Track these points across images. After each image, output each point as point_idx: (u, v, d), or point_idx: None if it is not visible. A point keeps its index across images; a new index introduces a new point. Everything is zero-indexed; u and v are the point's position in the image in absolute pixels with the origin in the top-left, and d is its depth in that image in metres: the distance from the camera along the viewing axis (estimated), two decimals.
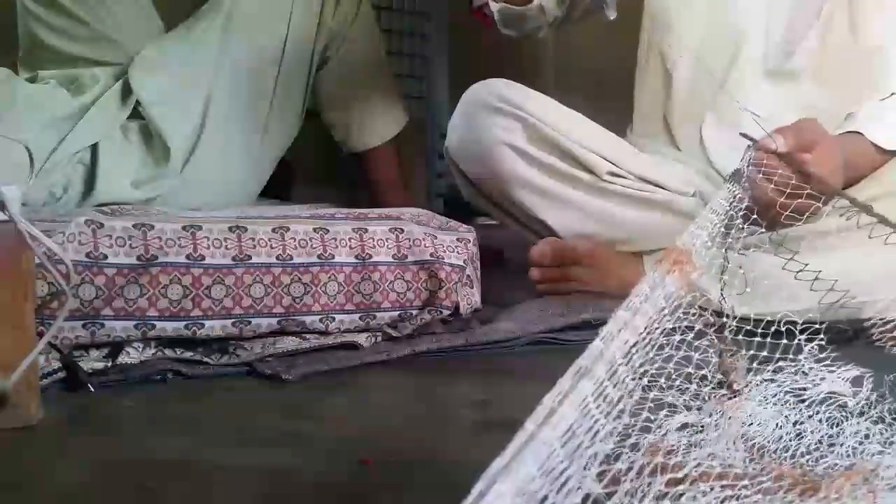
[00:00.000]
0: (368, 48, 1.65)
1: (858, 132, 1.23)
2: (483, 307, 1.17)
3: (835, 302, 0.87)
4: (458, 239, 1.14)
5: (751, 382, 0.75)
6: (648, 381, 0.56)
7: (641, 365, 0.52)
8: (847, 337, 0.88)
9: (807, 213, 0.93)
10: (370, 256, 1.07)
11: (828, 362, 0.76)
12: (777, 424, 0.67)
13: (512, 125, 1.36)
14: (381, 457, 0.70)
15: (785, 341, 0.77)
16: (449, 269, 1.11)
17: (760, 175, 0.93)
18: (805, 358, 0.76)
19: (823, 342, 0.78)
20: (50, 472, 0.69)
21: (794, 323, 0.78)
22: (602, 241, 1.34)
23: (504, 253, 1.62)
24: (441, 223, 1.18)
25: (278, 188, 1.65)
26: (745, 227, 0.83)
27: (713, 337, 0.70)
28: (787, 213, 0.92)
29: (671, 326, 0.58)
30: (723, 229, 0.79)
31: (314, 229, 1.06)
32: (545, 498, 0.37)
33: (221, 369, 0.96)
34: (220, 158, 1.43)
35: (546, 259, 1.33)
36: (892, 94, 1.29)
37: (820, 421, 0.68)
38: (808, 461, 0.62)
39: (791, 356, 0.76)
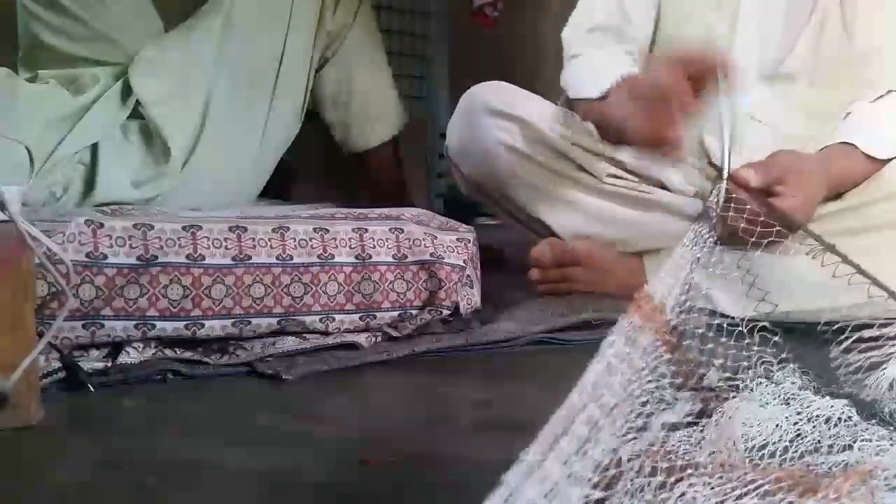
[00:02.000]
0: (368, 48, 1.65)
1: (850, 143, 1.24)
2: (483, 307, 1.17)
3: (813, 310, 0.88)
4: (458, 239, 1.14)
5: (748, 384, 0.75)
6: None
7: (623, 425, 0.53)
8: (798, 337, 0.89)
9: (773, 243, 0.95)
10: (370, 256, 1.07)
11: (806, 384, 0.77)
12: (777, 424, 0.67)
13: (512, 127, 1.37)
14: (381, 457, 0.70)
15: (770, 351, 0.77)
16: (449, 269, 1.11)
17: (731, 209, 0.94)
18: (787, 377, 0.77)
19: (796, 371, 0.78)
20: (50, 472, 0.69)
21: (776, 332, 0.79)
22: (602, 241, 1.34)
23: (504, 253, 1.62)
24: (441, 223, 1.18)
25: (278, 188, 1.65)
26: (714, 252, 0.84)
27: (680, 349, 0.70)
28: (752, 244, 0.93)
29: (649, 378, 0.59)
30: (691, 273, 0.79)
31: (314, 229, 1.06)
32: None
33: (221, 369, 0.96)
34: (220, 158, 1.43)
35: (546, 260, 1.33)
36: (887, 93, 1.30)
37: (819, 422, 0.68)
38: (807, 461, 0.62)
39: (775, 376, 0.77)
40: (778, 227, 0.95)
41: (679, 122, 1.08)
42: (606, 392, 0.49)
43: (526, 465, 0.40)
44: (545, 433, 0.43)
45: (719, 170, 1.01)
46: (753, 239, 0.93)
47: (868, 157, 1.24)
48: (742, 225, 0.94)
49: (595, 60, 1.37)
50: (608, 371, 0.51)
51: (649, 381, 0.58)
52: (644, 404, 0.58)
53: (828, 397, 0.74)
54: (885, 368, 0.81)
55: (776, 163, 1.18)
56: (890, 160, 1.26)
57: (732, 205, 0.95)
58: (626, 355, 0.55)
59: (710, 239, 0.86)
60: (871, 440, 0.65)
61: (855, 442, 0.65)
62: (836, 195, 1.25)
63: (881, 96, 1.32)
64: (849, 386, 0.80)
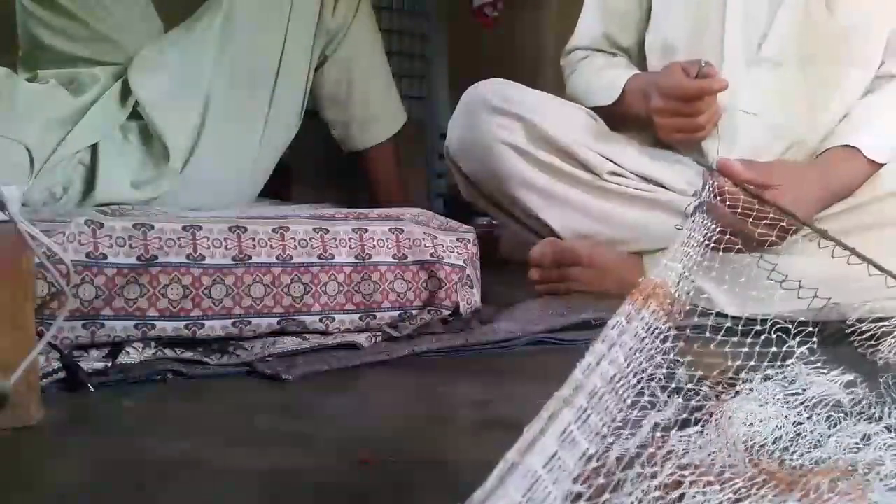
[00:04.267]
0: (368, 47, 1.65)
1: (852, 146, 1.24)
2: (483, 307, 1.17)
3: (822, 308, 0.89)
4: (458, 239, 1.14)
5: (745, 384, 0.75)
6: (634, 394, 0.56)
7: (627, 397, 0.53)
8: (834, 339, 0.89)
9: (777, 239, 0.95)
10: (370, 256, 1.07)
11: (818, 365, 0.77)
12: (777, 425, 0.67)
13: (512, 124, 1.37)
14: (381, 457, 0.70)
15: (774, 349, 0.77)
16: (449, 269, 1.11)
17: (720, 202, 0.95)
18: (793, 363, 0.77)
19: (815, 345, 0.78)
20: (50, 472, 0.69)
21: (786, 330, 0.79)
22: (602, 241, 1.34)
23: (500, 239, 1.63)
24: (441, 223, 1.18)
25: (278, 188, 1.65)
26: (721, 250, 0.85)
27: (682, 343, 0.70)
28: (757, 236, 0.94)
29: (653, 353, 0.59)
30: (697, 258, 0.80)
31: (314, 229, 1.06)
32: None
33: (221, 369, 0.96)
34: (219, 158, 1.43)
35: (546, 260, 1.33)
36: (886, 79, 1.30)
37: (818, 422, 0.68)
38: (805, 461, 0.62)
39: (779, 363, 0.77)
40: (772, 220, 0.95)
41: (710, 119, 1.29)
42: (608, 364, 0.49)
43: (526, 441, 0.40)
44: (544, 409, 0.43)
45: (707, 166, 1.03)
46: (755, 232, 0.93)
47: (868, 160, 1.24)
48: (732, 214, 0.94)
49: (597, 69, 1.46)
50: (609, 345, 0.51)
51: (651, 352, 0.58)
52: (650, 378, 0.58)
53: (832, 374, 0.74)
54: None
55: (770, 166, 1.20)
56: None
57: (725, 197, 0.96)
58: (627, 328, 0.54)
59: (711, 228, 0.86)
60: (873, 441, 0.65)
61: (856, 442, 0.65)
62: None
63: (879, 78, 1.31)
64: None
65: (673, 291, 0.67)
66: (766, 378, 0.75)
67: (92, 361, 0.92)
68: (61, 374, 0.87)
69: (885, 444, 0.63)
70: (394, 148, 1.72)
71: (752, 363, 0.76)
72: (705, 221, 0.89)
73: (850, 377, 0.75)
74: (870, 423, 0.68)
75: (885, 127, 1.27)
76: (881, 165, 1.25)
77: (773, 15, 1.32)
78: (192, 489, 0.65)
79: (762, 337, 0.78)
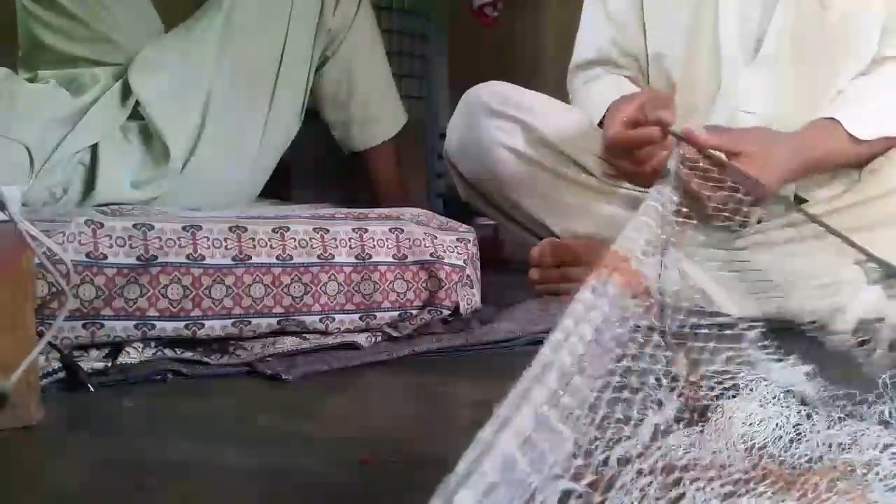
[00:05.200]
0: (368, 47, 1.65)
1: (835, 119, 1.22)
2: (483, 307, 1.17)
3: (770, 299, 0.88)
4: (458, 239, 1.14)
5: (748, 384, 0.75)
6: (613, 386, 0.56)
7: (599, 376, 0.52)
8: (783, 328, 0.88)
9: (737, 210, 0.94)
10: (370, 256, 1.07)
11: (771, 351, 0.76)
12: (777, 425, 0.67)
13: (511, 127, 1.37)
14: (381, 457, 0.70)
15: (729, 332, 0.76)
16: (449, 269, 1.11)
17: (685, 169, 0.93)
18: (748, 346, 0.76)
19: (764, 329, 0.77)
20: (50, 472, 0.69)
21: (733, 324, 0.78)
22: (601, 241, 1.34)
23: (503, 244, 1.62)
24: (441, 223, 1.18)
25: (278, 188, 1.65)
26: (679, 223, 0.83)
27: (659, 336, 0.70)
28: (715, 206, 0.92)
29: (621, 331, 0.58)
30: (660, 231, 0.79)
31: (314, 229, 1.06)
32: None
33: (221, 369, 0.96)
34: (219, 158, 1.43)
35: (546, 260, 1.33)
36: (882, 60, 1.29)
37: (817, 422, 0.68)
38: (797, 459, 0.62)
39: (735, 345, 0.76)
40: (731, 184, 0.94)
41: (655, 169, 1.18)
42: (575, 340, 0.48)
43: (498, 420, 0.40)
44: (516, 389, 0.43)
45: (676, 135, 1.01)
46: (717, 204, 0.92)
47: (849, 136, 1.22)
48: (696, 180, 0.93)
49: (592, 94, 1.42)
50: (575, 320, 0.51)
51: (619, 328, 0.58)
52: (619, 359, 0.57)
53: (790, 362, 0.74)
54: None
55: (739, 132, 1.18)
56: (877, 141, 1.24)
57: (688, 164, 0.95)
58: (594, 304, 0.54)
59: (674, 197, 0.85)
60: (873, 440, 0.65)
61: (855, 441, 0.65)
62: (846, 184, 1.24)
63: (874, 62, 1.30)
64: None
65: (636, 266, 0.67)
66: (729, 360, 0.74)
67: (92, 361, 0.92)
68: (61, 374, 0.88)
69: (883, 444, 0.63)
70: (394, 148, 1.72)
71: (713, 345, 0.74)
72: (670, 192, 0.87)
73: (807, 368, 0.74)
74: (861, 420, 0.68)
75: (871, 104, 1.24)
76: (863, 143, 1.23)
77: (768, 14, 1.31)
78: (192, 489, 0.64)
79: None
